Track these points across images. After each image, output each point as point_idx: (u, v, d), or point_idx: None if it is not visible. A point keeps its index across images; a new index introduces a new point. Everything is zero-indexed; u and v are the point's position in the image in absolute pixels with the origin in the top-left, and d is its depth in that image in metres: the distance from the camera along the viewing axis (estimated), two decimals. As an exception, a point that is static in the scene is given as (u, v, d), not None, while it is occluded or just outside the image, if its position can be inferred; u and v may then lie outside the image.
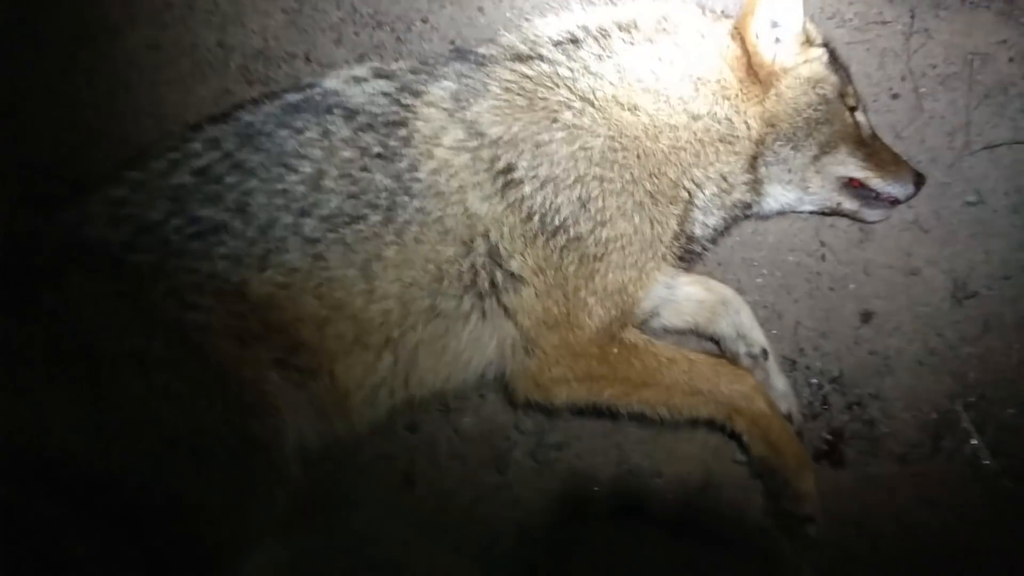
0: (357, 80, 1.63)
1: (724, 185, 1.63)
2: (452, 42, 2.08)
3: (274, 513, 1.44)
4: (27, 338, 1.39)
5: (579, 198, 1.52)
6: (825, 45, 1.73)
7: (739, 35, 1.67)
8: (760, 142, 1.63)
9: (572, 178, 1.53)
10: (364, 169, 1.52)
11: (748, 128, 1.63)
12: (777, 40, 1.65)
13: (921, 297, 1.80)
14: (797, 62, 1.67)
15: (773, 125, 1.64)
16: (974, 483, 1.68)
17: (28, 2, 2.01)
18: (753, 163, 1.64)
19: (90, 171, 1.90)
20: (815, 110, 1.65)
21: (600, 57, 1.61)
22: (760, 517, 1.66)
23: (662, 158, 1.58)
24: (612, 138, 1.56)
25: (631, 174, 1.55)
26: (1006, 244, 1.82)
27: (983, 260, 1.81)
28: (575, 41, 1.65)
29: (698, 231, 1.65)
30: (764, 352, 1.69)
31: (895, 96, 1.95)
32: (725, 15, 1.80)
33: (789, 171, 1.67)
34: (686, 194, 1.60)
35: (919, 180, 1.73)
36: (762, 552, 1.64)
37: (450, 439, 1.74)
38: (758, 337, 1.70)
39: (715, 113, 1.61)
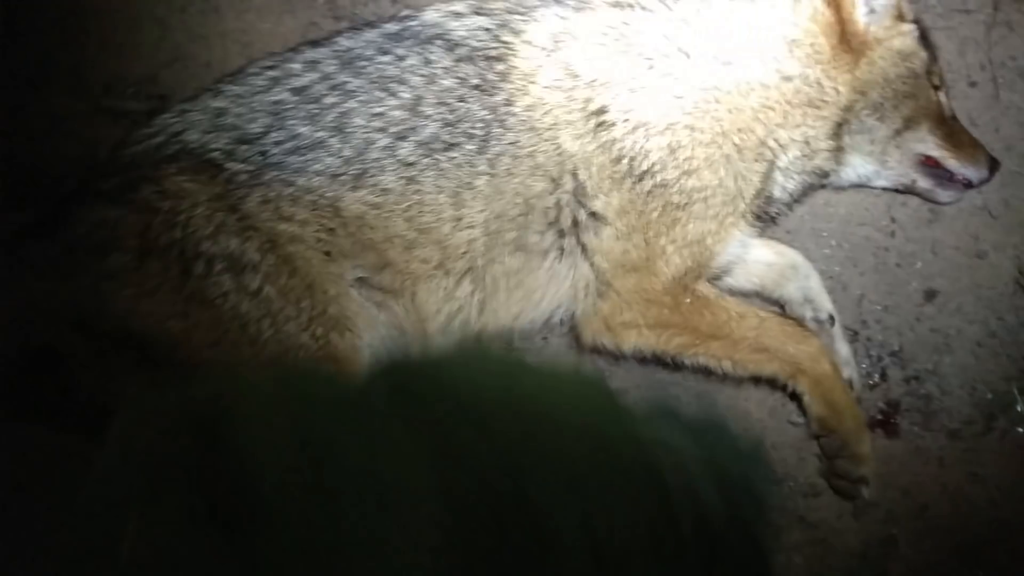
0: (457, 15, 1.66)
1: (807, 150, 1.65)
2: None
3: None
4: (124, 224, 1.44)
5: (668, 145, 1.55)
6: (916, 22, 1.75)
7: (835, 2, 1.68)
8: (847, 109, 1.65)
9: (663, 124, 1.56)
10: (462, 99, 1.55)
11: (837, 94, 1.64)
12: (872, 11, 1.67)
13: (985, 280, 1.83)
14: (890, 34, 1.68)
15: (862, 93, 1.65)
16: (1023, 464, 1.70)
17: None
18: (838, 130, 1.66)
19: (174, 91, 1.96)
20: (903, 82, 1.67)
21: (699, 10, 1.63)
22: (810, 480, 1.69)
23: (751, 115, 1.60)
24: (705, 89, 1.58)
25: (721, 127, 1.58)
26: (1074, 236, 1.85)
27: (1050, 250, 1.84)
28: None
29: (777, 193, 1.68)
30: (831, 318, 1.72)
31: (973, 84, 1.97)
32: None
33: (872, 142, 1.69)
34: (770, 153, 1.63)
35: (994, 165, 1.76)
36: (811, 515, 1.67)
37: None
38: (825, 303, 1.73)
39: (807, 76, 1.63)
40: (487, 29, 1.63)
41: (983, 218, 1.86)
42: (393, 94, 1.56)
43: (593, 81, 1.58)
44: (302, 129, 1.53)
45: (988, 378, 1.77)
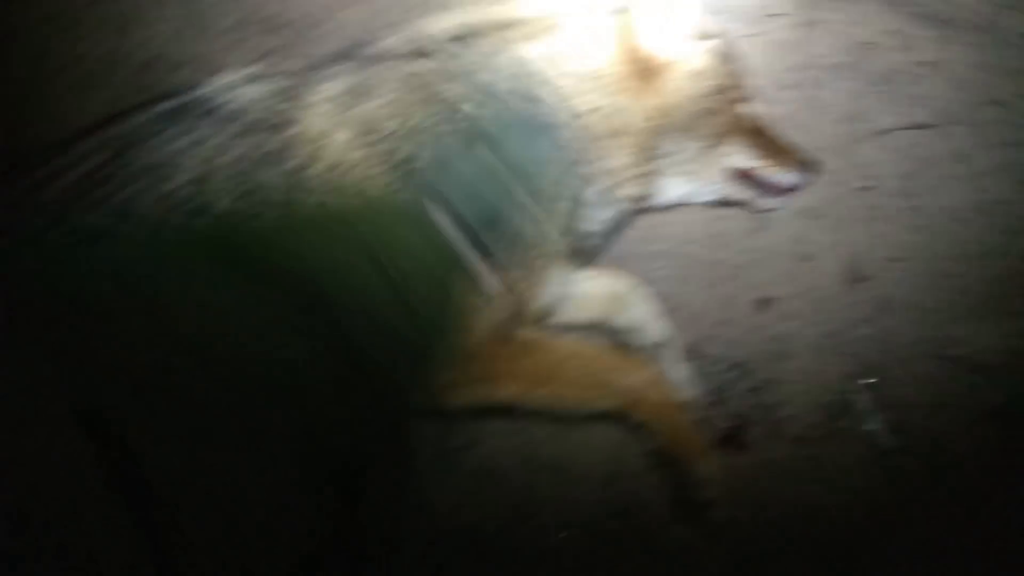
0: (246, 80, 1.58)
1: (615, 179, 1.63)
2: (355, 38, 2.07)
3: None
4: None
5: None
6: (718, 37, 1.74)
7: (630, 28, 1.67)
8: (651, 133, 1.63)
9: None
10: (255, 168, 1.45)
11: (640, 119, 1.63)
12: (669, 33, 1.66)
13: (816, 282, 1.83)
14: (686, 54, 1.68)
15: (665, 115, 1.64)
16: (872, 462, 1.70)
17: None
18: (645, 155, 1.64)
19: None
20: (705, 100, 1.66)
21: (497, 51, 1.59)
22: (664, 509, 1.67)
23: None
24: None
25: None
26: (897, 227, 1.87)
27: (876, 244, 1.85)
28: (470, 36, 1.62)
29: (592, 226, 1.65)
30: (661, 342, 1.70)
31: (788, 87, 1.99)
32: (616, 11, 1.81)
33: (682, 162, 1.68)
34: (570, 191, 1.59)
35: (811, 167, 1.76)
36: (665, 544, 1.65)
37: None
38: (655, 327, 1.71)
39: (607, 106, 1.61)
40: (273, 95, 1.52)
41: (808, 220, 1.87)
42: (181, 169, 1.45)
43: (394, 133, 1.53)
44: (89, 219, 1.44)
45: (829, 379, 1.76)
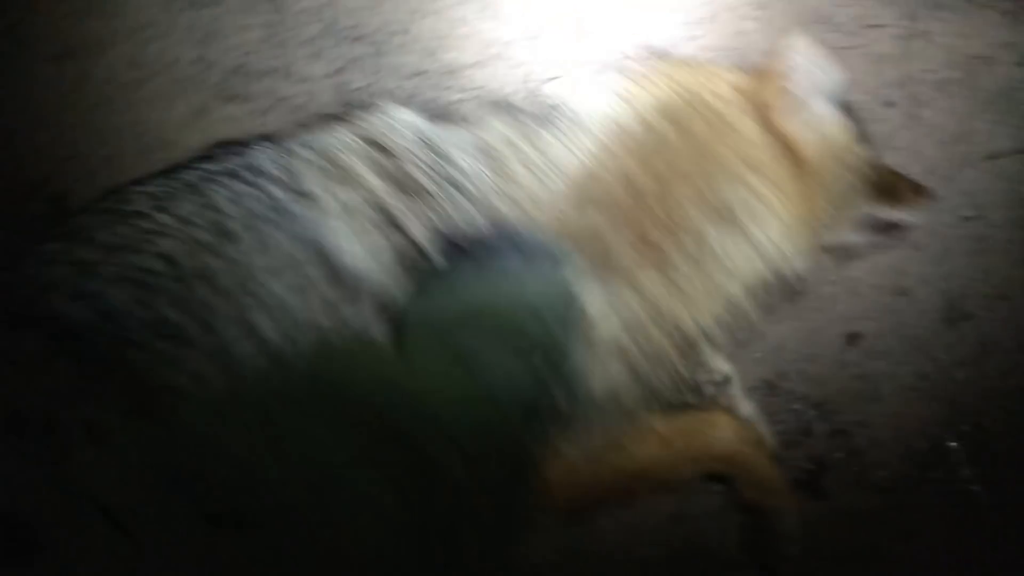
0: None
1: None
2: (432, 54, 2.05)
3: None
4: None
5: None
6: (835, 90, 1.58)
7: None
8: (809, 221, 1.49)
9: None
10: None
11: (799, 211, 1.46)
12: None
13: (912, 319, 1.71)
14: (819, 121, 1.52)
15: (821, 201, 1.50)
16: (963, 517, 1.58)
17: (6, 20, 2.02)
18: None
19: (72, 189, 1.93)
20: (846, 173, 1.51)
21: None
22: (731, 549, 1.59)
23: None
24: None
25: None
26: (1005, 262, 1.72)
27: (980, 279, 1.72)
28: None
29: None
30: (726, 379, 1.62)
31: (890, 104, 1.86)
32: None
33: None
34: None
35: (927, 194, 1.60)
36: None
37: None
38: (719, 363, 1.63)
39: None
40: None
41: (906, 251, 1.74)
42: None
43: None
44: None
45: (921, 425, 1.65)
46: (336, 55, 2.04)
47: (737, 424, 1.55)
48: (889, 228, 1.61)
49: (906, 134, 1.82)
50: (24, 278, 1.45)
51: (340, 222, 1.36)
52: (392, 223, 1.35)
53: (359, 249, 1.35)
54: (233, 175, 1.40)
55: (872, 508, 1.61)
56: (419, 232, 1.33)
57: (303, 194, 1.38)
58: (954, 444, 1.62)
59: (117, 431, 0.89)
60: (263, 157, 1.42)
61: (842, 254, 1.66)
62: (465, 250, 1.13)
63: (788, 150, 1.45)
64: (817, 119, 1.47)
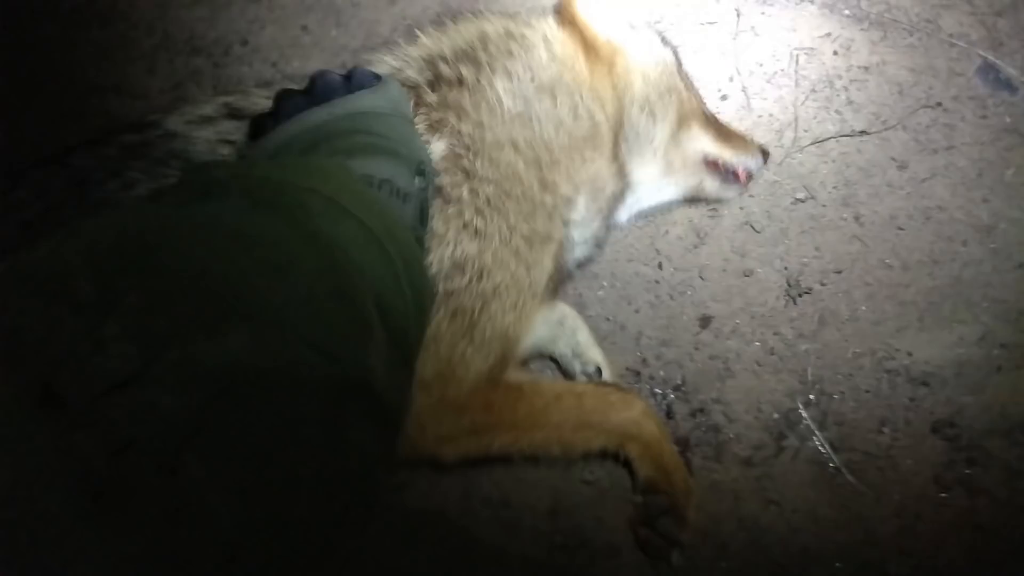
0: (203, 121, 1.45)
1: (597, 185, 1.56)
2: (274, 64, 2.00)
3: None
4: None
5: (452, 256, 1.39)
6: (650, 27, 1.71)
7: (566, 18, 1.61)
8: (618, 119, 1.57)
9: (449, 236, 1.39)
10: None
11: (604, 108, 1.55)
12: (605, 17, 1.61)
13: (757, 297, 1.79)
14: (631, 37, 1.63)
15: (628, 97, 1.58)
16: (817, 481, 1.67)
17: None
18: (615, 148, 1.58)
19: None
20: (663, 80, 1.62)
21: (473, 92, 1.47)
22: (608, 541, 1.62)
23: (538, 187, 1.47)
24: (497, 183, 1.43)
25: (507, 223, 1.43)
26: (837, 238, 1.84)
27: (815, 256, 1.82)
28: (441, 80, 1.49)
29: (578, 253, 1.60)
30: (598, 370, 1.66)
31: (724, 97, 1.95)
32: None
33: (652, 143, 1.62)
34: (561, 218, 1.52)
35: (765, 152, 1.75)
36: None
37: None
38: (594, 355, 1.67)
39: (575, 109, 1.52)
40: (231, 142, 1.41)
41: (747, 233, 1.83)
42: None
43: None
44: None
45: (772, 397, 1.73)
46: (173, 70, 1.97)
47: (645, 404, 1.58)
48: (734, 174, 1.71)
49: (741, 124, 1.91)
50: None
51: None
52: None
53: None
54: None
55: (734, 480, 1.67)
56: None
57: None
58: (803, 411, 1.71)
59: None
60: None
61: (694, 199, 1.77)
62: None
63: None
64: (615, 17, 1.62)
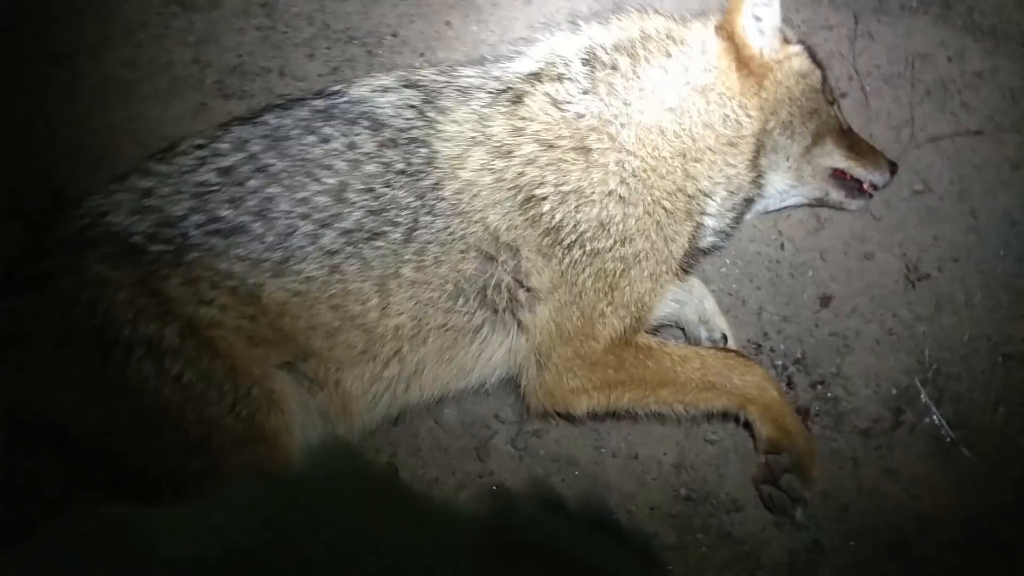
0: (384, 89, 1.63)
1: (732, 186, 1.69)
2: (422, 54, 2.17)
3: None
4: (42, 316, 1.44)
5: (598, 216, 1.55)
6: (802, 43, 1.81)
7: (725, 33, 1.72)
8: (761, 132, 1.69)
9: (595, 196, 1.55)
10: (387, 185, 1.52)
11: (751, 120, 1.68)
12: (762, 32, 1.72)
13: (876, 280, 1.89)
14: (783, 54, 1.74)
15: (772, 113, 1.70)
16: (934, 454, 1.74)
17: (4, 21, 2.06)
18: (756, 157, 1.70)
19: (69, 186, 1.95)
20: (806, 99, 1.73)
21: (626, 78, 1.63)
22: (731, 496, 1.71)
23: (681, 176, 1.62)
24: (643, 159, 1.59)
25: (652, 195, 1.59)
26: (953, 228, 1.92)
27: (932, 244, 1.91)
28: (596, 61, 1.65)
29: (709, 239, 1.72)
30: (724, 337, 1.76)
31: (843, 95, 2.06)
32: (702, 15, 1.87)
33: (787, 159, 1.74)
34: (699, 207, 1.65)
35: (893, 167, 1.84)
36: (733, 529, 1.69)
37: (432, 430, 1.76)
38: (719, 323, 1.77)
39: (725, 116, 1.66)
40: (412, 106, 1.60)
41: (867, 221, 1.93)
42: (317, 179, 1.52)
43: (524, 159, 1.57)
44: (224, 212, 1.49)
45: (891, 374, 1.81)
46: (330, 56, 2.15)
47: (766, 371, 1.68)
48: (860, 187, 1.80)
49: (859, 121, 2.01)
50: (84, 209, 1.54)
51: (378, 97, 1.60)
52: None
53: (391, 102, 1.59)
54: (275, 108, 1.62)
55: (853, 449, 1.75)
56: None
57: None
58: (921, 388, 1.78)
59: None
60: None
61: (818, 205, 1.87)
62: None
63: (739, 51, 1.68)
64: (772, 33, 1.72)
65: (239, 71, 2.11)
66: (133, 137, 2.03)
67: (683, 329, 1.82)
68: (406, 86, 1.64)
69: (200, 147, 1.59)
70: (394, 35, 2.18)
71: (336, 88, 1.67)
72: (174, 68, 2.10)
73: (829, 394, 1.80)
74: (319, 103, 1.62)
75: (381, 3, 2.21)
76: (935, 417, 1.76)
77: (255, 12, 2.18)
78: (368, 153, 1.54)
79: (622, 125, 1.59)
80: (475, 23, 2.21)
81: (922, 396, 1.78)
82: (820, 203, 1.86)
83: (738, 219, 1.76)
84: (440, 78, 1.66)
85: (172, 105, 2.08)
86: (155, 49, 2.12)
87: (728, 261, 1.91)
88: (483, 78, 1.66)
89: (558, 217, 1.55)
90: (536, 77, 1.64)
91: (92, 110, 2.06)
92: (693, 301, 1.79)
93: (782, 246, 1.92)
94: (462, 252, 1.53)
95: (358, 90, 1.63)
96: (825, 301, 1.87)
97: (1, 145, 2.00)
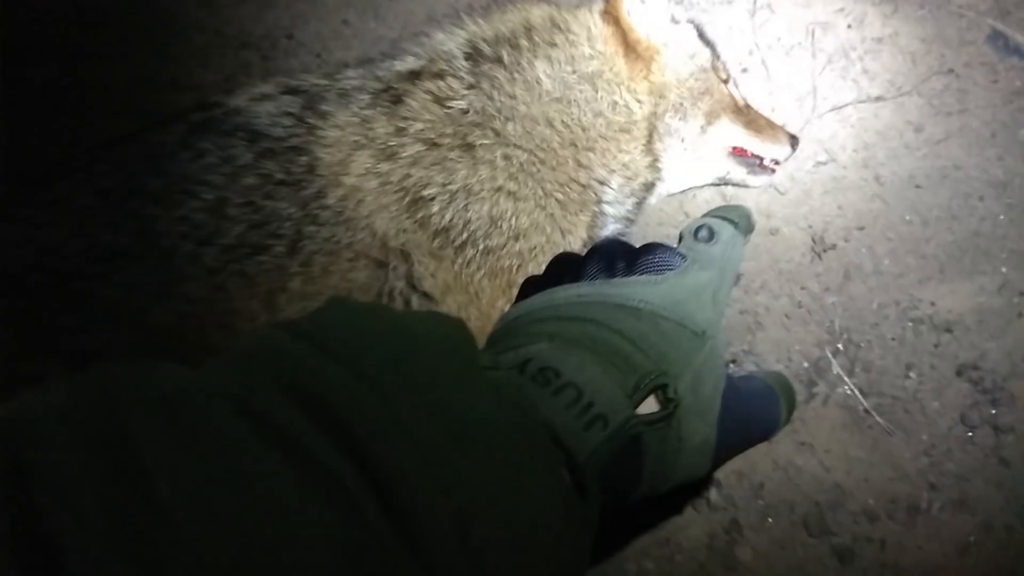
0: (263, 97, 1.58)
1: (629, 173, 1.67)
2: (318, 55, 2.13)
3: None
4: None
5: (489, 214, 1.51)
6: (691, 22, 1.80)
7: (611, 17, 1.71)
8: (652, 117, 1.67)
9: (485, 194, 1.52)
10: (268, 196, 1.46)
11: (641, 106, 1.66)
12: (647, 15, 1.70)
13: (783, 255, 1.88)
14: (670, 36, 1.73)
15: (661, 97, 1.68)
16: (847, 424, 1.75)
17: None
18: (649, 141, 1.68)
19: None
20: (695, 79, 1.72)
21: (510, 70, 1.60)
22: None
23: (573, 165, 1.60)
24: (531, 152, 1.56)
25: (543, 188, 1.57)
26: (858, 197, 1.92)
27: (838, 214, 1.91)
28: (478, 55, 1.62)
29: (610, 227, 1.70)
30: None
31: (744, 70, 2.05)
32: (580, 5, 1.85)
33: (682, 140, 1.72)
34: (594, 196, 1.64)
35: (795, 140, 1.84)
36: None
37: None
38: None
39: (614, 103, 1.64)
40: (291, 113, 1.54)
41: (771, 196, 1.93)
42: (195, 196, 1.45)
43: (409, 160, 1.51)
44: (103, 236, 1.41)
45: (802, 347, 1.82)
46: (224, 63, 2.10)
47: None
48: (762, 164, 1.80)
49: (761, 96, 2.01)
50: None
51: (256, 106, 1.54)
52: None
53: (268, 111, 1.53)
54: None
55: (768, 426, 1.75)
56: None
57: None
58: (832, 359, 1.79)
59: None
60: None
61: (723, 184, 1.87)
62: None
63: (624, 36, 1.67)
64: (658, 14, 1.72)
65: (131, 87, 2.06)
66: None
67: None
68: (285, 92, 1.59)
69: (81, 169, 1.53)
70: (289, 37, 2.14)
71: (214, 99, 1.62)
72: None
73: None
74: (197, 116, 1.57)
75: (275, 5, 2.17)
76: (847, 387, 1.77)
77: (143, 25, 2.13)
78: (245, 165, 1.49)
79: (507, 119, 1.56)
80: (373, 19, 2.17)
81: (834, 367, 1.78)
82: (724, 182, 1.86)
83: (639, 204, 1.75)
84: (322, 82, 1.62)
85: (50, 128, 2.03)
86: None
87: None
88: (364, 79, 1.62)
89: (448, 217, 1.51)
90: (417, 75, 1.60)
91: None
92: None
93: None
94: (350, 260, 1.48)
95: (235, 100, 1.59)
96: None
97: None
